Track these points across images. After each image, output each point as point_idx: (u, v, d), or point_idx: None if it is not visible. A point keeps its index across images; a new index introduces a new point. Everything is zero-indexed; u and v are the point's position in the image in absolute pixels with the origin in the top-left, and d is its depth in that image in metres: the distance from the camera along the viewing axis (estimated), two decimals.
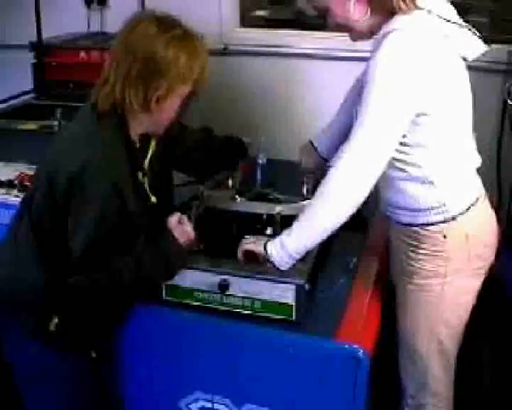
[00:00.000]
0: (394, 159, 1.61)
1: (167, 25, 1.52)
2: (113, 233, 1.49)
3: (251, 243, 1.65)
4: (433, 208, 1.65)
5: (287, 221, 1.71)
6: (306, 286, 1.59)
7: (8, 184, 2.18)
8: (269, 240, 1.62)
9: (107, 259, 1.50)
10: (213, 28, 2.88)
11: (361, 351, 1.53)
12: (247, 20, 3.14)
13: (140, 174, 1.60)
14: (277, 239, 1.61)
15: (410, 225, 1.69)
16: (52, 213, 1.52)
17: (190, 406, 1.74)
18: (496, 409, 2.21)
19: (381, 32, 1.57)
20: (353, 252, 1.89)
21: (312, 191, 1.98)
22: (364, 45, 2.82)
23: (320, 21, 3.46)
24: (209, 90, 2.70)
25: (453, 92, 1.61)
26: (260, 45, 2.82)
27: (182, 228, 1.62)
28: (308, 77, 2.93)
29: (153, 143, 1.69)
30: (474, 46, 1.62)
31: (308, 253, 1.69)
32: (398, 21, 1.54)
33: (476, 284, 1.75)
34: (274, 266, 1.60)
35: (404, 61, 1.50)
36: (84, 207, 1.46)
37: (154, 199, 1.66)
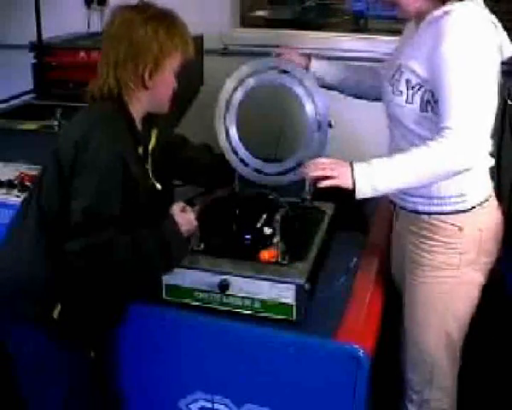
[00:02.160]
0: (421, 142, 1.63)
1: (141, 8, 1.64)
2: (116, 200, 1.51)
3: (339, 179, 1.57)
4: (451, 197, 1.67)
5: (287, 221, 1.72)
6: (306, 286, 1.59)
7: (8, 184, 2.18)
8: (355, 172, 1.56)
9: (106, 227, 1.49)
10: (213, 28, 2.88)
11: (361, 351, 1.53)
12: (247, 20, 3.14)
13: (140, 149, 1.64)
14: (369, 180, 1.56)
15: (426, 213, 1.71)
16: (60, 189, 1.54)
17: (190, 406, 1.74)
18: (496, 407, 2.21)
19: (432, 15, 1.62)
20: (353, 252, 1.89)
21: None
22: (364, 46, 2.84)
23: (320, 21, 3.48)
24: (209, 90, 2.71)
25: (493, 81, 1.61)
26: (260, 45, 2.81)
27: (184, 216, 1.63)
28: None
29: (155, 132, 1.74)
30: (508, 45, 1.65)
31: (308, 253, 1.70)
32: (451, 5, 1.59)
33: (482, 279, 1.77)
34: (353, 192, 1.57)
35: (476, 32, 1.55)
36: (89, 169, 1.50)
37: (159, 186, 1.70)
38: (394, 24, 2.85)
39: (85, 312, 1.61)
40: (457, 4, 1.59)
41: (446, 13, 1.59)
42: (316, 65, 2.03)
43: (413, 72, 1.65)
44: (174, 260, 1.61)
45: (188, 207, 1.67)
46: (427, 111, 1.63)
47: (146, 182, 1.66)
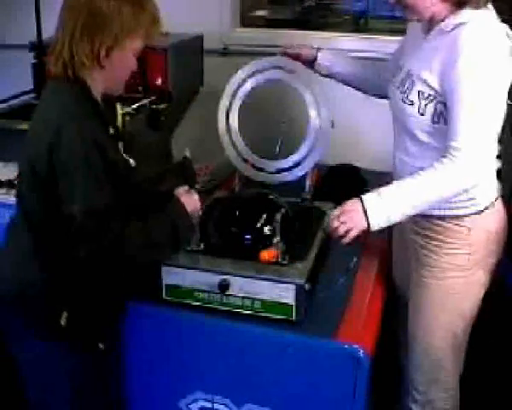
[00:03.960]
0: (430, 150, 1.64)
1: None
2: (106, 189, 1.47)
3: (355, 230, 1.61)
4: (460, 201, 1.67)
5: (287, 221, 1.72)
6: (306, 286, 1.59)
7: (8, 184, 2.18)
8: (367, 209, 1.59)
9: (109, 222, 1.46)
10: (213, 28, 2.87)
11: (361, 351, 1.53)
12: (247, 20, 3.14)
13: (111, 129, 1.59)
14: (381, 213, 1.59)
15: (436, 217, 1.71)
16: (40, 193, 1.50)
17: (190, 406, 1.74)
18: (496, 407, 2.21)
19: (446, 23, 1.60)
20: (353, 252, 1.89)
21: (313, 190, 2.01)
22: (364, 46, 2.84)
23: (320, 21, 3.48)
24: (209, 90, 2.71)
25: (506, 89, 1.62)
26: (260, 45, 2.81)
27: (190, 197, 1.64)
28: None
29: (119, 108, 1.69)
30: None
31: (308, 253, 1.70)
32: (468, 15, 1.57)
33: (487, 279, 1.78)
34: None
35: (492, 49, 1.54)
36: (71, 168, 1.44)
37: (133, 163, 1.65)
38: (394, 24, 2.85)
39: (92, 312, 1.60)
40: (472, 14, 1.57)
41: (462, 24, 1.56)
42: (323, 55, 2.03)
43: (425, 83, 1.63)
44: (182, 241, 1.61)
45: (192, 190, 1.66)
46: (439, 122, 1.63)
47: (122, 161, 1.61)
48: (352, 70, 2.02)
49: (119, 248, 1.49)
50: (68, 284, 1.54)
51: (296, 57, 2.04)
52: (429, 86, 1.62)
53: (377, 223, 1.60)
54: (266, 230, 1.76)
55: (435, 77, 1.61)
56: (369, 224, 1.59)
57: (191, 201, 1.64)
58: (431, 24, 1.67)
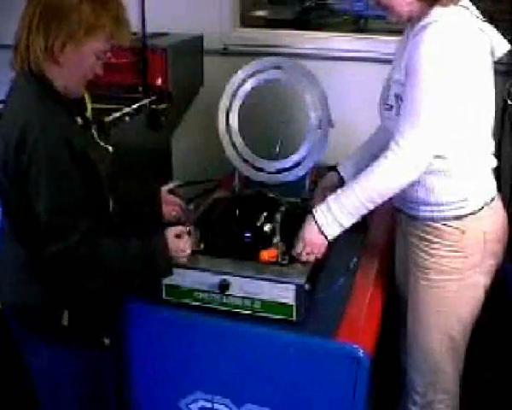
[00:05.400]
0: None
1: None
2: (73, 184, 1.44)
3: (322, 250, 1.68)
4: (453, 203, 1.67)
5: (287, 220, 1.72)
6: (306, 286, 1.59)
7: None
8: (321, 226, 1.65)
9: (75, 221, 1.44)
10: (213, 28, 2.88)
11: (361, 351, 1.53)
12: (247, 20, 3.14)
13: (79, 119, 1.56)
14: (333, 222, 1.64)
15: (429, 219, 1.71)
16: (16, 193, 1.48)
17: (190, 406, 1.74)
18: (497, 408, 2.21)
19: (420, 23, 1.60)
20: (353, 252, 1.89)
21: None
22: (365, 46, 2.84)
23: (320, 21, 3.48)
24: (209, 91, 2.72)
25: (483, 85, 1.63)
26: (260, 45, 2.82)
27: (178, 243, 1.59)
28: None
29: (87, 96, 1.65)
30: (502, 43, 1.65)
31: None
32: (438, 13, 1.57)
33: (487, 281, 1.76)
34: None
35: (448, 48, 1.53)
36: (35, 167, 1.41)
37: (110, 148, 1.63)
38: (394, 24, 2.85)
39: (92, 308, 1.60)
40: (440, 13, 1.57)
41: (429, 23, 1.56)
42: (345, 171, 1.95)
43: (398, 83, 1.64)
44: (154, 275, 1.60)
45: (185, 235, 1.62)
46: None
47: (96, 149, 1.58)
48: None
49: (92, 252, 1.46)
50: (63, 284, 1.53)
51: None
52: (402, 85, 1.62)
53: (333, 233, 1.66)
54: (266, 229, 1.76)
55: (402, 76, 1.61)
56: (326, 237, 1.66)
57: (179, 244, 1.59)
58: (412, 26, 1.67)
